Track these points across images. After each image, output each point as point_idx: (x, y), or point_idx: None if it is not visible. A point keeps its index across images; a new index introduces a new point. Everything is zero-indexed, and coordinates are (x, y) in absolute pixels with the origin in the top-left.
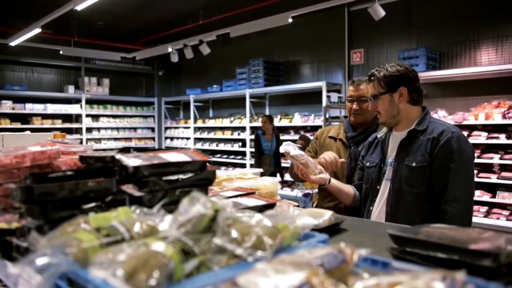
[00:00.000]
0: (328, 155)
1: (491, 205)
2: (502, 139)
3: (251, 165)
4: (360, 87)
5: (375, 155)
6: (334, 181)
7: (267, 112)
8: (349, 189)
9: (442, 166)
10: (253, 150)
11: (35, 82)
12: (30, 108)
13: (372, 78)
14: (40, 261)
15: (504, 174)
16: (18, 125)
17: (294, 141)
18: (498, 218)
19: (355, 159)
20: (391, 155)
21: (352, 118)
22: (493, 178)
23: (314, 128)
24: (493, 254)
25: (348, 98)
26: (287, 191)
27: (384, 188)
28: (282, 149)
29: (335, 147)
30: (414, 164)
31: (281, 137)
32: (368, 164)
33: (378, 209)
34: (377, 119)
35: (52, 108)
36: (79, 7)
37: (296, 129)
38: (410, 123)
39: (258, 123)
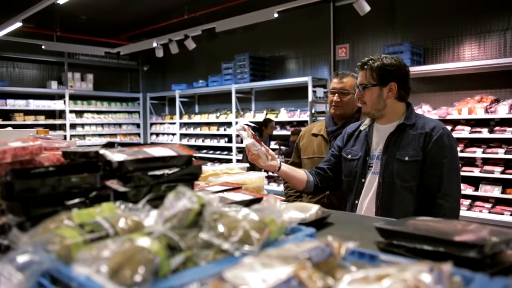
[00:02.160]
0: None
1: (474, 198)
2: (484, 133)
3: (238, 160)
4: (344, 80)
5: (357, 147)
6: (284, 167)
7: (253, 108)
8: (301, 174)
9: (435, 161)
10: (239, 145)
11: (17, 77)
12: (12, 104)
13: (366, 66)
14: (21, 258)
15: (486, 167)
16: None
17: (286, 136)
18: (480, 211)
19: None
20: (377, 148)
21: (332, 110)
22: (476, 172)
23: (300, 123)
24: (478, 246)
25: (331, 90)
26: (273, 186)
27: (371, 182)
28: (236, 131)
29: (316, 143)
30: (407, 158)
31: None
32: (349, 156)
33: (366, 203)
34: (357, 113)
35: (34, 104)
36: (61, 1)
37: (282, 124)
38: (394, 117)
39: (245, 119)
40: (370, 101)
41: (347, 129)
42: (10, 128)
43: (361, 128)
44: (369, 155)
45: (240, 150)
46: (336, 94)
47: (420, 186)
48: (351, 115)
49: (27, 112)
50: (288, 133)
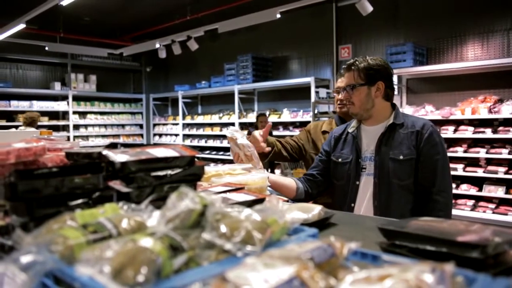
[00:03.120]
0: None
1: (478, 199)
2: (488, 133)
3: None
4: None
5: (347, 150)
6: (272, 177)
7: (255, 109)
8: (290, 182)
9: (428, 158)
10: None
11: (20, 79)
12: (16, 105)
13: (353, 67)
14: (25, 259)
15: (490, 168)
16: (3, 123)
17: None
18: (484, 211)
19: None
20: (368, 150)
21: (338, 109)
22: (480, 172)
23: (303, 124)
24: (481, 246)
25: (335, 89)
26: None
27: (366, 183)
28: (228, 133)
29: None
30: (401, 157)
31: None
32: (340, 160)
33: (364, 205)
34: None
35: (38, 105)
36: (64, 2)
37: (285, 125)
38: (381, 117)
39: (247, 119)
40: (359, 101)
41: (333, 132)
42: (13, 129)
43: (349, 130)
44: (361, 157)
45: None
46: (341, 93)
47: (416, 183)
48: None
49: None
50: (291, 133)
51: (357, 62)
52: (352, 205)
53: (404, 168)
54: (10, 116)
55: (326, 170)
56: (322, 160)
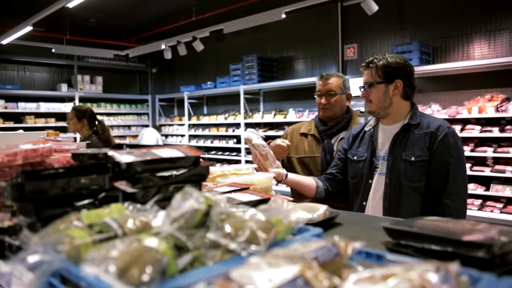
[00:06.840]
0: (275, 143)
1: (485, 198)
2: (495, 132)
3: (246, 162)
4: (329, 81)
5: (363, 148)
6: (291, 176)
7: (261, 109)
8: (310, 181)
9: (441, 161)
10: (247, 146)
11: (28, 80)
12: (23, 107)
13: (371, 65)
14: (32, 258)
15: (497, 167)
16: (11, 124)
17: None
18: (492, 211)
19: (329, 152)
20: (382, 149)
21: (321, 112)
22: (487, 171)
23: None
24: (487, 245)
25: (317, 92)
26: (282, 186)
27: (378, 183)
28: (245, 135)
29: (307, 143)
30: (413, 159)
31: (276, 133)
32: (355, 158)
33: (374, 204)
34: (348, 114)
35: (45, 107)
36: (70, 5)
37: (291, 125)
38: (399, 117)
39: (253, 120)
40: (377, 99)
41: (352, 130)
42: (21, 131)
43: (366, 129)
44: (375, 156)
45: (250, 151)
46: (324, 97)
47: (427, 186)
48: (342, 115)
49: (38, 115)
50: None
51: (375, 60)
52: (364, 203)
53: (415, 169)
54: (18, 117)
55: (345, 168)
56: (341, 159)
